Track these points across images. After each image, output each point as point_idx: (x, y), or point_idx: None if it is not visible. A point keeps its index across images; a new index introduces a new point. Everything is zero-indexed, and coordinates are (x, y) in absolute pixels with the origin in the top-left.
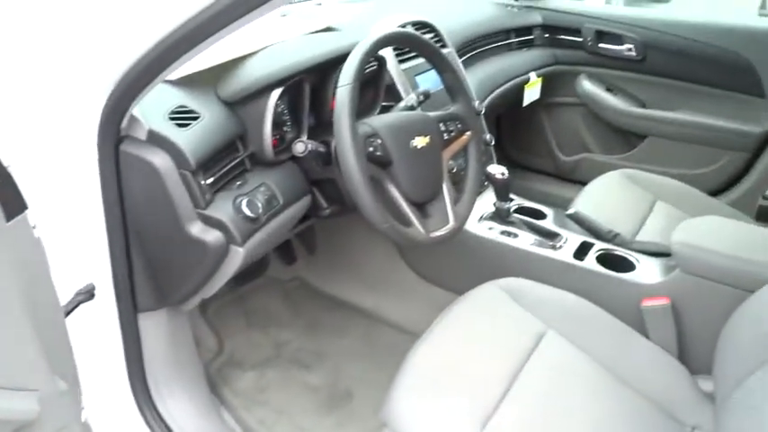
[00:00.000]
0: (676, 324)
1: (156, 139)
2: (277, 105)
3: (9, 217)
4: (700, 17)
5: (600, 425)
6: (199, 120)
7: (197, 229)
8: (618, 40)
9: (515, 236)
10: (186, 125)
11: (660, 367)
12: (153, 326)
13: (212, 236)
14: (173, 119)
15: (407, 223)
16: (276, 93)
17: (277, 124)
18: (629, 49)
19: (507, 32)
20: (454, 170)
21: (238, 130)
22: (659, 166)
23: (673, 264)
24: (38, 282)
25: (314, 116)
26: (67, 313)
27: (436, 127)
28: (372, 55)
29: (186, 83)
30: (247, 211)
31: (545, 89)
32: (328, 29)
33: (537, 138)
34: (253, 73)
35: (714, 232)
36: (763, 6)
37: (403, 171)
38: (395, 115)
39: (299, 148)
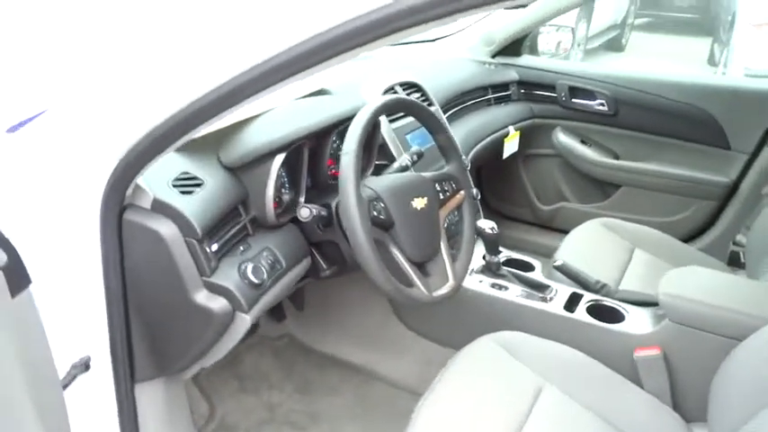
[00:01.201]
0: (669, 373)
1: (161, 208)
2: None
3: (14, 293)
4: (666, 75)
5: None
6: (202, 186)
7: (202, 297)
8: (590, 95)
9: (506, 289)
10: (190, 192)
11: (656, 417)
12: (150, 395)
13: (218, 303)
14: (176, 186)
15: (410, 284)
16: (279, 158)
17: (276, 188)
18: (601, 104)
19: (486, 89)
20: (446, 226)
21: (241, 194)
22: (634, 214)
23: (661, 313)
24: (39, 358)
25: (310, 178)
26: (64, 387)
27: (433, 187)
28: (373, 122)
29: (187, 148)
30: (253, 278)
31: (523, 142)
32: (321, 92)
33: (516, 188)
34: (255, 139)
35: (699, 283)
36: (711, 58)
37: (404, 232)
38: (393, 177)
39: (304, 213)
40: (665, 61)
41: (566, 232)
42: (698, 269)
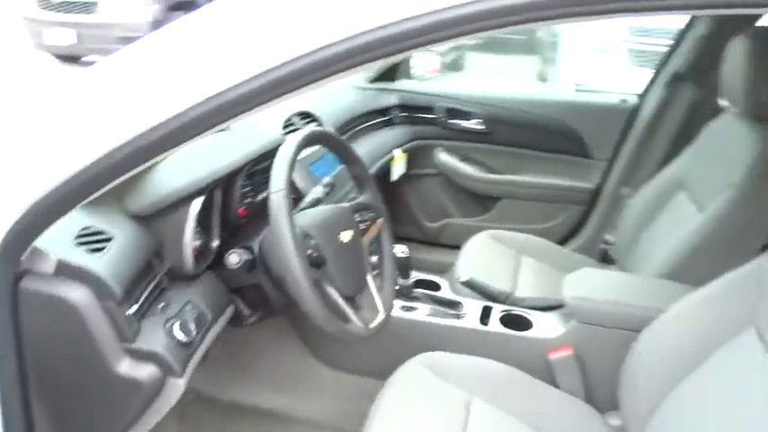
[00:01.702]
0: (581, 370)
1: (67, 271)
2: None
3: None
4: (533, 94)
5: None
6: (112, 241)
7: (126, 367)
8: (466, 115)
9: (419, 310)
10: (100, 249)
11: (572, 412)
12: None
13: (145, 371)
14: (82, 244)
15: (346, 320)
16: (198, 202)
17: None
18: (477, 123)
19: (369, 114)
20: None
21: (154, 245)
22: (514, 223)
23: (568, 315)
24: None
25: (221, 222)
26: None
27: (354, 218)
28: (295, 157)
29: None
30: (182, 336)
31: (407, 163)
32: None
33: (402, 208)
34: (168, 183)
35: (598, 284)
36: (540, 75)
37: (336, 268)
38: (317, 212)
39: (234, 259)
40: (499, 78)
41: (452, 247)
42: (593, 271)
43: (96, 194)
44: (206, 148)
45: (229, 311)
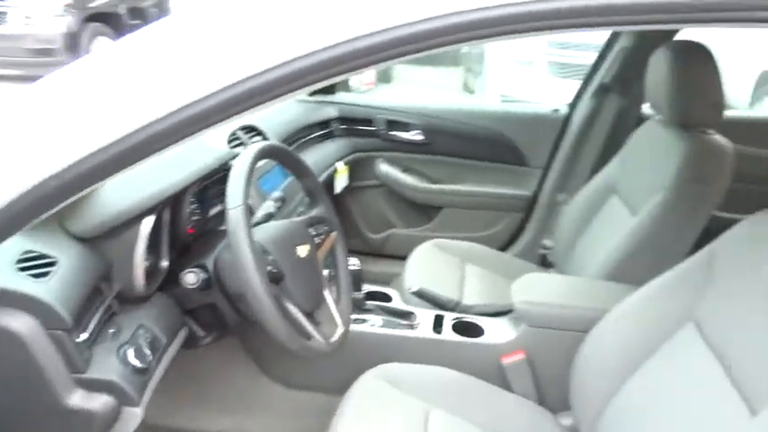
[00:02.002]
0: (533, 373)
1: (9, 299)
2: None
3: None
4: (470, 105)
5: None
6: (57, 265)
7: (77, 399)
8: (406, 127)
9: (372, 323)
10: (44, 274)
11: (526, 415)
12: None
13: (99, 402)
14: (24, 269)
15: (308, 336)
16: (149, 221)
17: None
18: (417, 134)
19: (311, 127)
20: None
21: (102, 268)
22: (456, 232)
23: (518, 319)
24: None
25: (170, 241)
26: None
27: (309, 232)
28: (251, 173)
29: None
30: (137, 362)
31: (349, 175)
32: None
33: (346, 220)
34: (117, 202)
35: (546, 287)
36: (465, 86)
37: (294, 283)
38: (273, 227)
39: (191, 279)
40: (427, 89)
41: (397, 258)
42: (540, 275)
43: (42, 217)
44: (151, 166)
45: (183, 333)
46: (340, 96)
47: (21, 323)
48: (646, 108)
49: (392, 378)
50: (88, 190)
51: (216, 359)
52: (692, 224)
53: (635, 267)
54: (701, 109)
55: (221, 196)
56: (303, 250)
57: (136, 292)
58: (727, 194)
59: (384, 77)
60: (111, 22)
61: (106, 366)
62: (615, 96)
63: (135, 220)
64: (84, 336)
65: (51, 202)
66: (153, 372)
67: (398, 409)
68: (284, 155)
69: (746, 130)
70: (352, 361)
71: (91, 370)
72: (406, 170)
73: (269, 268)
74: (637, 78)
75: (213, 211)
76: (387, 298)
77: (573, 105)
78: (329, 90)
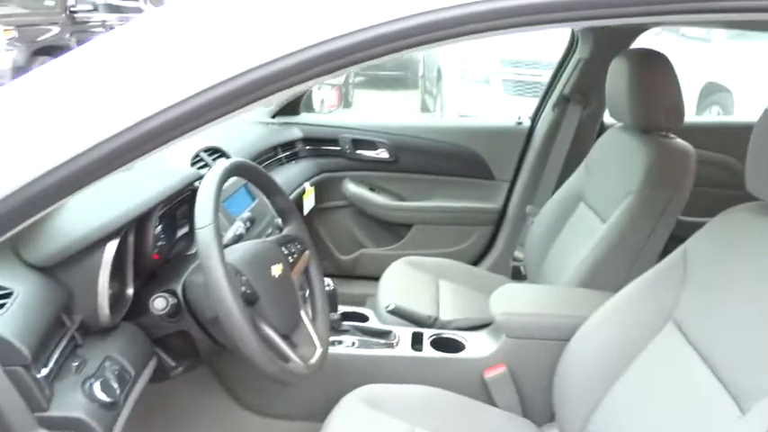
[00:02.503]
0: (516, 385)
1: None
2: None
3: None
4: (434, 121)
5: None
6: (13, 297)
7: None
8: (372, 145)
9: (349, 343)
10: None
11: (510, 429)
12: None
13: None
14: None
15: (285, 359)
16: (113, 245)
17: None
18: (383, 153)
19: (275, 148)
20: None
21: (62, 298)
22: (427, 249)
23: (498, 331)
24: None
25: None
26: None
27: (282, 251)
28: (220, 191)
29: None
30: (104, 397)
31: (317, 196)
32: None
33: (315, 242)
34: (76, 227)
35: (524, 298)
36: (423, 107)
37: (269, 304)
38: (245, 247)
39: (160, 304)
40: (386, 112)
41: (369, 278)
42: (516, 286)
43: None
44: (110, 190)
45: (152, 364)
46: (304, 117)
47: None
48: (607, 117)
49: (373, 400)
50: (42, 213)
51: (187, 391)
52: (662, 227)
53: (608, 273)
54: (661, 113)
55: (187, 219)
56: (277, 270)
57: (101, 323)
58: (689, 199)
59: (344, 102)
60: (60, 55)
61: (70, 403)
62: (576, 107)
63: (97, 245)
64: (44, 371)
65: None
66: (122, 406)
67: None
68: (254, 172)
69: (701, 134)
70: (330, 385)
71: (54, 407)
72: (373, 189)
73: (243, 289)
74: (596, 88)
75: (180, 233)
76: (363, 318)
77: (535, 118)
78: (293, 111)
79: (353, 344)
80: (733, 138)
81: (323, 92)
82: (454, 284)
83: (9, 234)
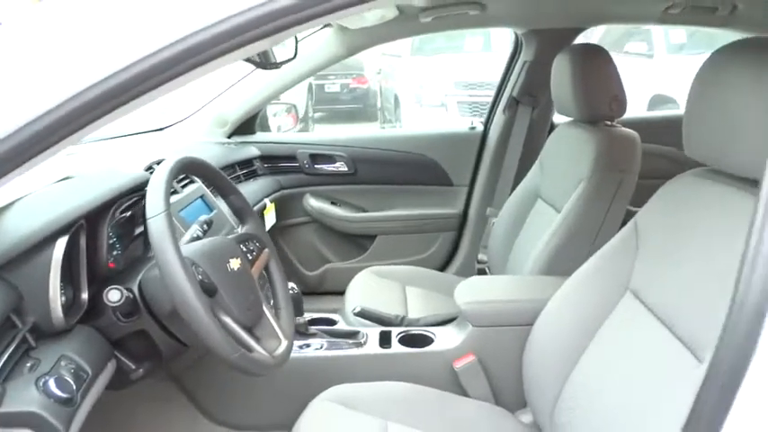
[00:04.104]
0: (486, 374)
1: None
2: None
3: None
4: (392, 131)
5: None
6: None
7: None
8: (330, 159)
9: (317, 346)
10: None
11: (485, 416)
12: None
13: None
14: None
15: (249, 349)
16: (62, 242)
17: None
18: (341, 166)
19: (233, 166)
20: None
21: (11, 299)
22: (393, 259)
23: (464, 322)
24: None
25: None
26: None
27: (239, 248)
28: (172, 181)
29: None
30: (59, 392)
31: (277, 213)
32: (67, 178)
33: (280, 259)
34: (22, 224)
35: (486, 287)
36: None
37: (229, 296)
38: (201, 243)
39: (114, 296)
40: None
41: (336, 293)
42: (480, 278)
43: None
44: (59, 192)
45: (111, 367)
46: (260, 136)
47: None
48: (557, 117)
49: (344, 399)
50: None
51: (154, 408)
52: (614, 210)
53: (567, 259)
54: (605, 103)
55: (141, 231)
56: (235, 263)
57: (54, 326)
58: (636, 190)
59: (303, 131)
60: None
61: (25, 398)
62: (525, 108)
63: (45, 242)
64: None
65: None
66: (78, 404)
67: (355, 429)
68: (206, 170)
69: (646, 127)
70: (300, 390)
71: (6, 404)
72: (334, 202)
73: (200, 278)
74: (543, 87)
75: (134, 242)
76: (330, 323)
77: (487, 122)
78: (249, 131)
79: (321, 346)
80: (668, 128)
81: (279, 118)
82: (421, 290)
83: None
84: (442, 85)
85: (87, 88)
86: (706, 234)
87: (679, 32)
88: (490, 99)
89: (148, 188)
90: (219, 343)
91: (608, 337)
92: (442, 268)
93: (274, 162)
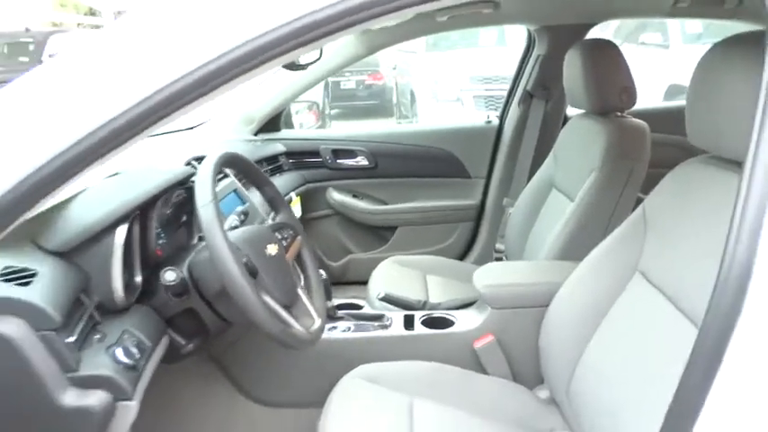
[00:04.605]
0: (505, 353)
1: None
2: None
3: None
4: (411, 126)
5: None
6: (38, 276)
7: (72, 398)
8: (352, 154)
9: (344, 328)
10: (27, 283)
11: (505, 392)
12: None
13: (95, 398)
14: (6, 281)
15: (289, 326)
16: (122, 230)
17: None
18: (363, 160)
19: (259, 162)
20: None
21: (80, 280)
22: (413, 249)
23: (483, 304)
24: None
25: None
26: None
27: (275, 235)
28: (216, 174)
29: None
30: (126, 359)
31: (302, 206)
32: (116, 174)
33: None
34: (86, 215)
35: (505, 271)
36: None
37: (269, 278)
38: (241, 230)
39: (170, 276)
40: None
41: (360, 283)
42: (498, 263)
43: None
44: (113, 187)
45: (165, 341)
46: (285, 133)
47: (9, 326)
48: (570, 109)
49: (371, 376)
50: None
51: (195, 384)
52: (626, 197)
53: (581, 245)
54: (615, 95)
55: (184, 223)
56: (272, 249)
57: (116, 304)
58: (646, 178)
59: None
60: None
61: (99, 364)
62: (539, 101)
63: (108, 230)
64: (71, 338)
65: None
66: (142, 370)
67: (382, 404)
68: (244, 164)
69: (656, 118)
70: (329, 369)
71: (83, 368)
72: (356, 195)
73: (244, 260)
74: (556, 81)
75: (178, 231)
76: (357, 308)
77: (502, 116)
78: (274, 128)
79: (349, 328)
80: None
81: (301, 115)
82: (441, 278)
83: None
84: (458, 80)
85: (167, 85)
86: (706, 215)
87: (695, 22)
88: (505, 92)
89: (196, 180)
90: (265, 319)
91: (618, 316)
92: (461, 258)
93: (299, 158)
